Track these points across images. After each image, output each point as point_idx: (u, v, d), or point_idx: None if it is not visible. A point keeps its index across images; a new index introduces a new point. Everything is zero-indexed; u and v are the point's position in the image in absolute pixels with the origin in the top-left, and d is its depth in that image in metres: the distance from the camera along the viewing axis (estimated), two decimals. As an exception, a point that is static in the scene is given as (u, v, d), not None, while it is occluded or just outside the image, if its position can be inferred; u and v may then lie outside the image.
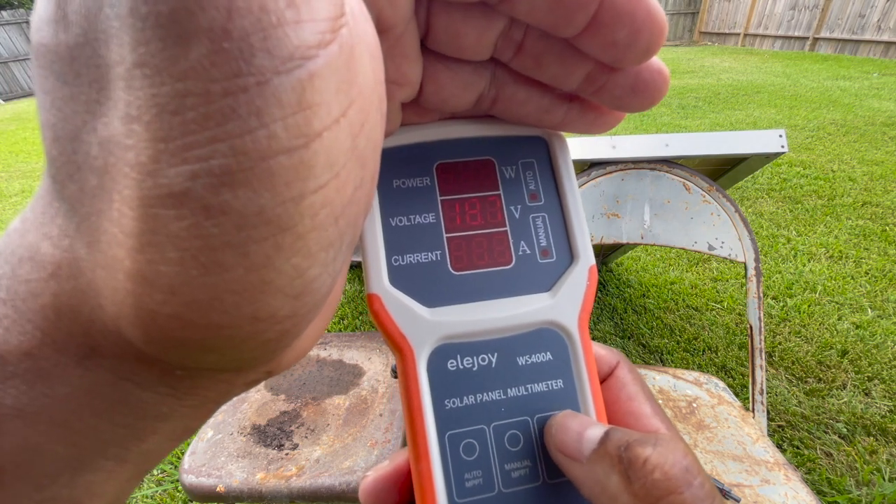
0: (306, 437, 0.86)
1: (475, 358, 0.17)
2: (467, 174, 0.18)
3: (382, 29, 0.13)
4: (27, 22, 10.39)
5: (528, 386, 0.17)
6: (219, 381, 0.13)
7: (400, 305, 0.17)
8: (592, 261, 0.18)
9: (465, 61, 0.16)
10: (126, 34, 0.08)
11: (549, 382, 0.18)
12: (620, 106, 0.16)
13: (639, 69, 0.14)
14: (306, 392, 0.96)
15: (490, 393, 0.17)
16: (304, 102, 0.09)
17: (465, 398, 0.17)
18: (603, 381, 0.20)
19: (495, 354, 0.17)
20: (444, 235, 0.18)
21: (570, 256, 0.18)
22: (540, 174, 0.19)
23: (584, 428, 0.16)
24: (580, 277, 0.18)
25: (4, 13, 10.25)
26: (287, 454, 0.82)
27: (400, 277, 0.17)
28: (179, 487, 1.20)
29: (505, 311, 0.17)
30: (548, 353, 0.18)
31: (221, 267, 0.09)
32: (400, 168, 0.18)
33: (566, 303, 0.18)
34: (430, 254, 0.18)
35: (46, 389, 0.11)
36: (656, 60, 0.14)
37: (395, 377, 0.96)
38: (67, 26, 0.09)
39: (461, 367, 0.17)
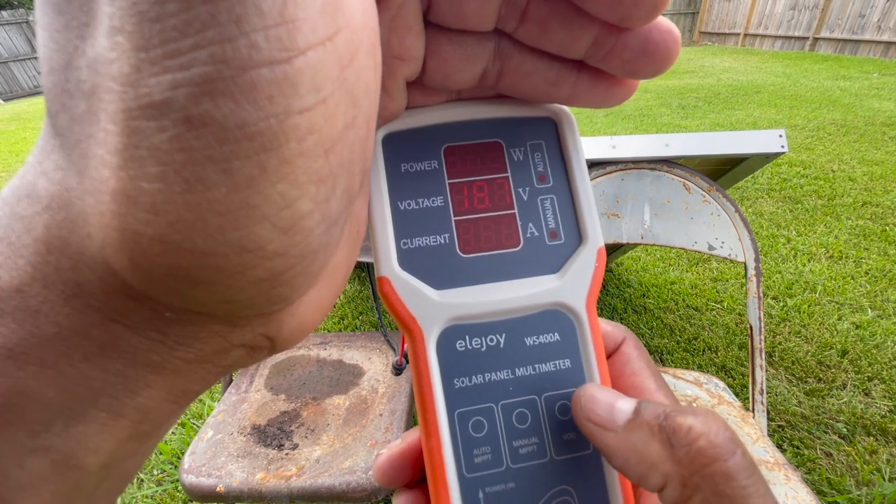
0: (306, 437, 0.86)
1: (483, 338, 0.18)
2: (475, 157, 0.18)
3: None
4: (27, 22, 10.40)
5: (536, 366, 0.18)
6: (212, 334, 0.13)
7: (409, 288, 0.17)
8: (601, 242, 0.18)
9: (468, 33, 0.15)
10: None
11: (556, 362, 0.18)
12: (631, 71, 0.15)
13: (647, 29, 0.14)
14: (306, 392, 0.96)
15: (498, 372, 0.18)
16: (287, 15, 0.09)
17: (473, 377, 0.17)
18: (609, 356, 0.20)
19: (503, 335, 0.18)
20: (453, 218, 0.18)
21: (578, 238, 0.19)
22: (548, 155, 0.19)
23: (614, 399, 0.16)
24: (588, 259, 0.18)
25: (4, 13, 10.25)
26: (287, 454, 0.82)
27: (409, 260, 0.17)
28: (179, 487, 1.21)
29: (513, 293, 0.18)
30: (555, 334, 0.18)
31: (204, 184, 0.09)
32: (408, 152, 0.18)
33: (574, 284, 0.18)
34: (438, 237, 0.18)
35: (34, 329, 0.11)
36: (665, 20, 0.14)
37: (397, 374, 0.96)
38: None
39: (470, 347, 0.17)
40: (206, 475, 0.79)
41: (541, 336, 0.18)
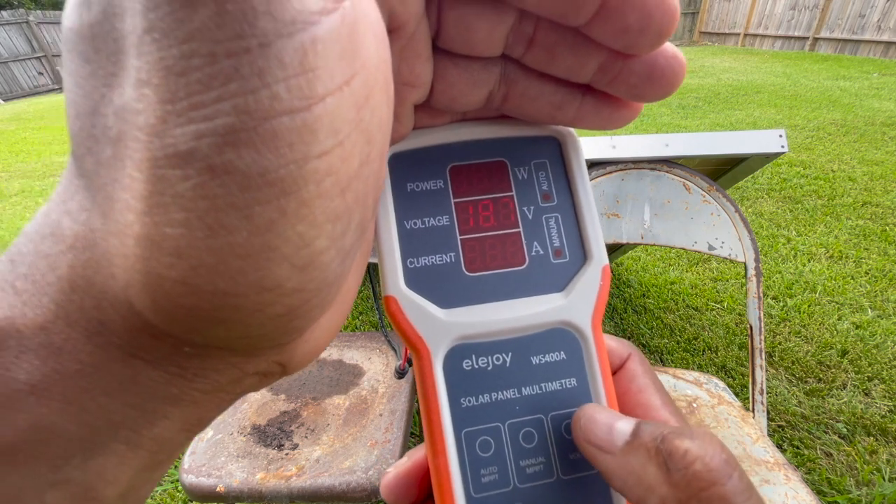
0: (306, 437, 0.86)
1: (490, 357, 0.18)
2: (480, 176, 0.18)
3: (395, 27, 0.13)
4: (27, 22, 10.40)
5: (543, 385, 0.18)
6: (229, 365, 0.13)
7: (416, 307, 0.17)
8: (606, 260, 0.19)
9: (475, 58, 0.16)
10: (138, 2, 0.09)
11: (562, 381, 0.18)
12: (637, 95, 0.15)
13: (654, 55, 0.14)
14: (306, 392, 0.96)
15: (505, 392, 0.17)
16: (307, 65, 0.09)
17: (480, 397, 0.17)
18: (614, 373, 0.20)
19: (509, 354, 0.18)
20: (458, 237, 0.18)
21: (583, 256, 0.19)
22: (553, 174, 0.19)
23: (613, 420, 0.16)
24: (593, 277, 0.18)
25: (4, 13, 10.24)
26: (287, 454, 0.82)
27: (415, 279, 0.18)
28: (179, 487, 1.20)
29: (519, 312, 0.18)
30: (561, 353, 0.18)
31: (226, 229, 0.10)
32: (414, 171, 0.18)
33: (579, 303, 0.18)
34: (444, 255, 0.18)
35: (58, 365, 0.11)
36: (670, 46, 0.14)
37: (399, 377, 0.96)
38: (90, 6, 0.10)
39: (476, 366, 0.17)
40: (206, 475, 0.78)
41: (547, 355, 0.18)
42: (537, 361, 0.18)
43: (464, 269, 0.18)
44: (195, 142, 0.09)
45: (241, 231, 0.10)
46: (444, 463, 0.17)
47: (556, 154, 0.19)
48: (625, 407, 0.19)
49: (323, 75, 0.09)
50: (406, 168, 0.18)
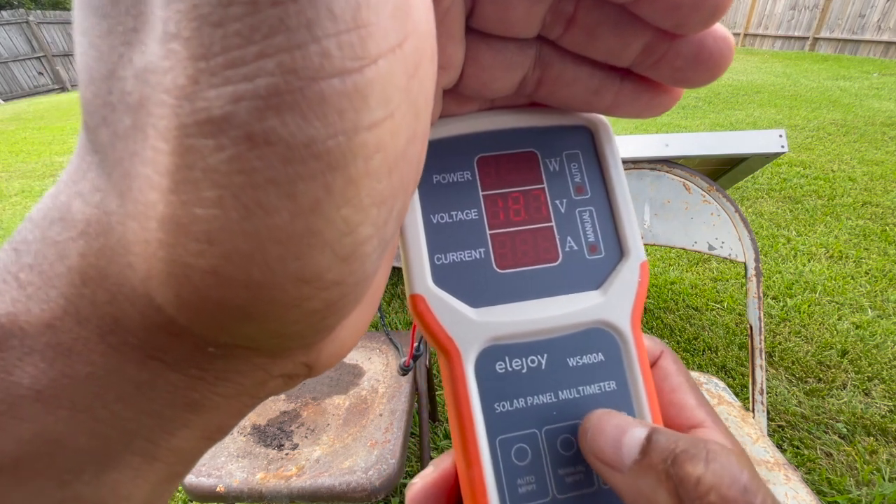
0: (306, 437, 0.86)
1: (524, 359, 0.17)
2: (509, 167, 0.17)
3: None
4: (27, 22, 10.40)
5: (580, 388, 0.17)
6: (254, 367, 0.12)
7: (445, 306, 0.16)
8: (644, 256, 0.17)
9: (509, 39, 0.14)
10: None
11: (601, 384, 0.17)
12: (681, 80, 0.14)
13: (702, 36, 0.13)
14: (306, 392, 0.96)
15: (541, 396, 0.17)
16: (360, 19, 0.08)
17: (515, 401, 0.16)
18: None
19: (545, 356, 0.17)
20: (488, 232, 0.17)
21: (619, 252, 0.18)
22: (585, 166, 0.18)
23: (622, 432, 0.15)
24: (631, 274, 0.17)
25: (4, 13, 10.25)
26: (287, 454, 0.82)
27: (443, 277, 0.17)
28: (179, 487, 1.20)
29: (553, 311, 0.17)
30: (599, 354, 0.17)
31: (265, 209, 0.08)
32: (440, 162, 0.17)
33: (617, 301, 0.17)
34: (473, 251, 0.17)
35: (66, 368, 0.10)
36: (720, 26, 0.13)
37: (403, 374, 0.96)
38: None
39: (510, 369, 0.17)
40: (206, 475, 0.78)
41: (584, 356, 0.17)
42: (574, 363, 0.17)
43: (494, 265, 0.17)
44: (232, 105, 0.08)
45: (282, 212, 0.08)
46: (478, 473, 0.16)
47: (589, 144, 0.18)
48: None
49: (376, 33, 0.08)
50: (432, 159, 0.17)
